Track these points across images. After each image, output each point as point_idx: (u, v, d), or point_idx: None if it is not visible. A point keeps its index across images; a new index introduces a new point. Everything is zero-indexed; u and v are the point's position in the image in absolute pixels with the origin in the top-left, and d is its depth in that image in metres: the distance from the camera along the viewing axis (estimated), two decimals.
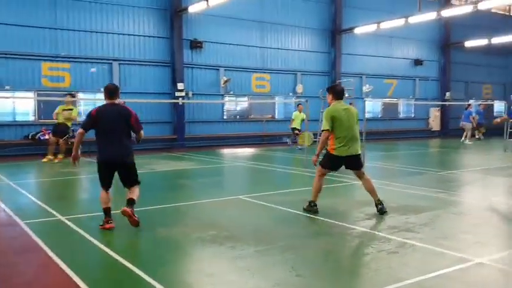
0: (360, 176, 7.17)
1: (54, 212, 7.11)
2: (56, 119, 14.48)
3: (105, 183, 6.28)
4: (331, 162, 7.01)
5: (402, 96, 26.56)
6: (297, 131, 18.38)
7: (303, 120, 17.74)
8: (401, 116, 27.27)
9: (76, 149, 6.49)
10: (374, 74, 25.21)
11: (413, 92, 27.26)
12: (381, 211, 6.91)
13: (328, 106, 7.03)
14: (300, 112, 18.12)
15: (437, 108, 27.98)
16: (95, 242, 5.51)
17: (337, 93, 6.99)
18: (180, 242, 5.62)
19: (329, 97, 7.04)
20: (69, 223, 6.44)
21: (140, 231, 6.09)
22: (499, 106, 31.11)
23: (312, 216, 6.84)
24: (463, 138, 21.69)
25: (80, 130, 6.30)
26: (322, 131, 6.85)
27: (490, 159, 15.60)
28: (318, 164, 7.12)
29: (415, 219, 6.64)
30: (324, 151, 7.09)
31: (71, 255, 5.10)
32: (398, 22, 20.75)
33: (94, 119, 6.25)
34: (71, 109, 14.51)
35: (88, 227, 6.20)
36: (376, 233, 5.93)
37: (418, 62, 26.96)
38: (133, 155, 6.53)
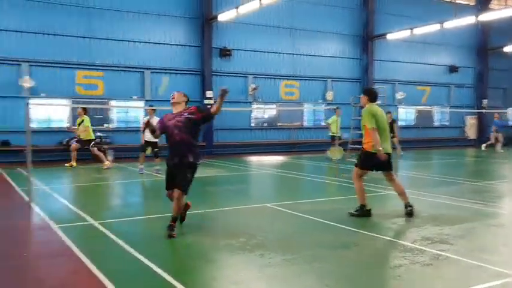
0: (390, 178, 7.44)
1: (87, 217, 7.21)
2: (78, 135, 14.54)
3: None
4: (369, 161, 7.21)
5: (436, 104, 26.00)
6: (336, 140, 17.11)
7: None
8: (435, 123, 26.68)
9: None
10: (407, 80, 24.78)
11: (448, 99, 26.65)
12: (409, 213, 7.17)
13: (363, 109, 7.39)
14: (338, 117, 15.98)
15: (474, 116, 27.24)
16: (126, 246, 5.54)
17: (373, 95, 7.37)
18: (209, 248, 5.59)
19: (364, 98, 7.39)
20: (101, 228, 6.51)
21: (166, 237, 6.09)
22: None
23: (342, 226, 6.70)
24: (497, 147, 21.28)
25: None
26: (369, 128, 7.09)
27: None
28: (354, 166, 7.40)
29: (449, 230, 6.42)
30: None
31: (102, 259, 5.14)
32: (433, 28, 20.36)
33: None
34: (83, 120, 14.31)
35: (119, 232, 6.25)
36: (409, 244, 5.74)
37: (453, 69, 26.36)
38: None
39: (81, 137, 14.37)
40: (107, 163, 14.28)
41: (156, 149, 13.10)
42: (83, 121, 14.28)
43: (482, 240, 6.06)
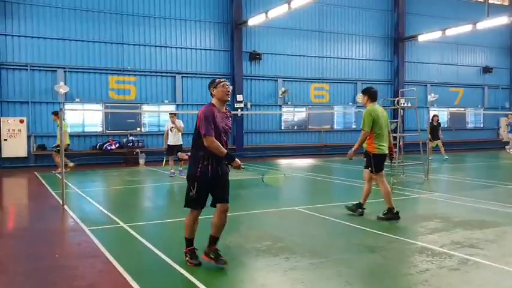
0: (374, 178, 7.51)
1: (117, 220, 7.39)
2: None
3: None
4: (380, 163, 7.35)
5: (470, 106, 25.43)
6: None
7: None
8: (469, 126, 26.08)
9: None
10: (439, 82, 24.34)
11: (482, 101, 26.02)
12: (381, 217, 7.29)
13: (365, 108, 7.43)
14: None
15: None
16: (154, 249, 5.66)
17: (373, 95, 7.41)
18: (235, 251, 5.65)
19: (364, 98, 7.50)
20: (131, 230, 6.67)
21: (198, 240, 6.19)
22: None
23: (370, 229, 6.66)
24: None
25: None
26: (362, 130, 7.26)
27: None
28: (369, 172, 7.42)
29: (480, 234, 6.30)
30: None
31: (131, 261, 5.27)
32: (465, 28, 19.97)
33: None
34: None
35: (148, 234, 6.40)
36: (438, 248, 5.66)
37: (487, 70, 25.74)
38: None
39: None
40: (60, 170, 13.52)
41: (178, 152, 13.30)
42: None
43: None
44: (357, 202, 7.66)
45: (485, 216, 7.51)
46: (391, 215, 7.24)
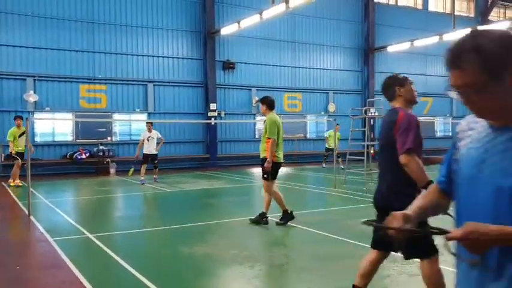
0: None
1: (84, 230, 7.32)
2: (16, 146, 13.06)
3: None
4: (275, 171, 7.52)
5: (439, 115, 26.04)
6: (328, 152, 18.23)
7: (339, 139, 17.67)
8: (438, 134, 26.69)
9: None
10: None
11: (451, 110, 26.68)
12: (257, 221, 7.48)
13: (267, 116, 7.64)
14: (336, 132, 17.70)
15: None
16: (118, 259, 5.64)
17: (271, 103, 7.67)
18: (201, 260, 5.67)
19: (263, 108, 7.76)
20: (96, 241, 6.61)
21: (163, 249, 6.21)
22: None
23: (336, 236, 6.76)
24: None
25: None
26: (270, 138, 7.36)
27: None
28: (265, 180, 7.55)
29: (442, 241, 6.45)
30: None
31: (94, 272, 5.24)
32: (433, 40, 20.51)
33: None
34: (23, 132, 12.72)
35: (114, 245, 6.36)
36: (400, 255, 5.78)
37: None
38: None
39: (21, 151, 12.99)
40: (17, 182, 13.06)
41: (156, 161, 13.74)
42: (24, 133, 12.73)
43: None
44: (261, 212, 7.65)
45: (448, 221, 7.70)
46: (289, 217, 7.49)
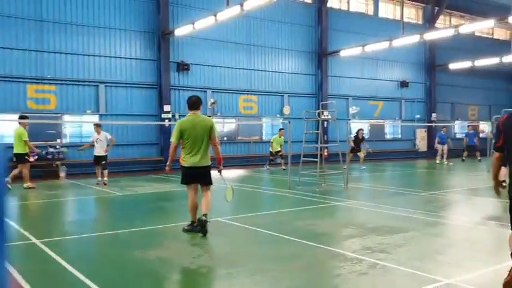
0: (204, 190, 7.26)
1: (29, 235, 7.07)
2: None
3: None
4: (187, 175, 7.09)
5: (388, 118, 26.84)
6: (273, 157, 19.36)
7: (281, 144, 19.00)
8: (387, 137, 27.50)
9: None
10: (360, 95, 25.51)
11: (400, 113, 27.56)
12: (202, 227, 6.88)
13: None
14: (281, 137, 19.13)
15: (424, 129, 28.26)
16: (67, 265, 5.48)
17: (189, 104, 7.13)
18: (154, 265, 5.60)
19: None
20: (43, 247, 6.40)
21: (115, 254, 6.09)
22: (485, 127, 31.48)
23: (289, 237, 6.85)
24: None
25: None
26: (171, 142, 7.09)
27: (473, 180, 15.74)
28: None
29: (390, 240, 6.68)
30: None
31: (40, 280, 5.07)
32: (383, 45, 21.13)
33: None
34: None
35: (62, 251, 6.18)
36: (350, 254, 5.94)
37: (404, 84, 27.33)
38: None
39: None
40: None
41: (103, 163, 13.71)
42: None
43: (420, 249, 6.32)
44: (191, 221, 7.17)
45: (396, 223, 7.97)
46: (191, 228, 7.03)
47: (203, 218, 6.95)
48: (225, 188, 7.75)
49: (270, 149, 19.38)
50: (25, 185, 13.08)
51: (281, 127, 19.75)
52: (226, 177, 7.62)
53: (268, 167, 19.29)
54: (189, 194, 7.18)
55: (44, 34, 16.84)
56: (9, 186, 12.62)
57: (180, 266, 5.50)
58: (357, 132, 19.81)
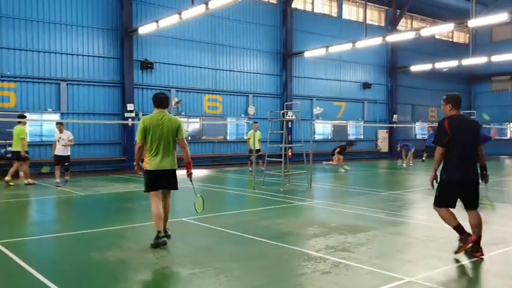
0: (166, 196, 6.76)
1: None
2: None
3: None
4: (151, 180, 6.46)
5: (351, 118, 27.31)
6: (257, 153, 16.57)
7: (259, 140, 17.59)
8: (350, 137, 27.95)
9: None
10: (324, 96, 25.84)
11: (362, 114, 28.08)
12: (160, 244, 6.24)
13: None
14: (256, 131, 16.78)
15: (385, 130, 28.90)
16: (26, 266, 5.34)
17: (156, 101, 6.57)
18: (115, 266, 5.52)
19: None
20: (2, 248, 6.20)
21: (76, 255, 5.97)
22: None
23: (254, 237, 6.88)
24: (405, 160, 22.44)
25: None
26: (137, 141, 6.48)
27: None
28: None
29: (352, 239, 6.81)
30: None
31: (0, 281, 4.92)
32: (346, 46, 21.49)
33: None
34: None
35: (22, 252, 6.01)
36: (313, 253, 6.03)
37: (366, 85, 27.87)
38: None
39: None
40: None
41: (66, 163, 13.32)
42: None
43: (380, 248, 6.47)
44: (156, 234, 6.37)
45: (358, 222, 8.14)
46: (157, 240, 6.26)
47: (168, 233, 6.65)
48: (195, 198, 7.17)
49: (249, 147, 17.27)
50: (25, 182, 13.54)
51: (255, 121, 17.51)
52: (194, 182, 7.34)
53: (250, 168, 16.91)
54: (152, 202, 6.43)
55: (3, 29, 16.30)
56: (11, 183, 13.18)
57: (143, 266, 5.44)
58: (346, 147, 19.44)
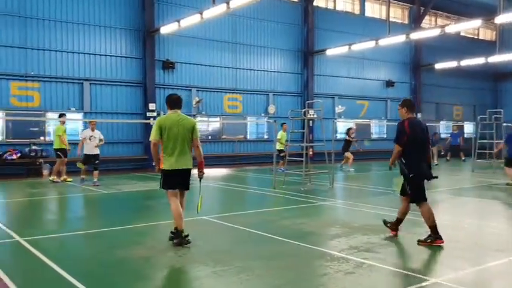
0: (181, 197, 6.69)
1: (13, 234, 6.95)
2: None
3: None
4: (168, 179, 6.46)
5: (374, 117, 26.99)
6: (283, 153, 16.52)
7: (287, 140, 16.63)
8: (373, 136, 27.65)
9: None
10: (346, 95, 25.59)
11: (385, 113, 27.73)
12: (179, 243, 6.25)
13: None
14: (285, 131, 16.93)
15: None
16: (51, 263, 5.40)
17: (170, 102, 6.56)
18: (138, 264, 5.54)
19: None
20: (27, 245, 6.30)
21: (99, 253, 6.02)
22: (469, 127, 31.89)
23: (275, 237, 6.83)
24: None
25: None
26: (151, 140, 6.40)
27: (459, 180, 15.89)
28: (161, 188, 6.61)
29: (376, 239, 6.70)
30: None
31: (25, 278, 4.98)
32: (369, 44, 21.21)
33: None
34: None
35: (46, 249, 6.08)
36: (336, 253, 5.95)
37: (389, 84, 27.49)
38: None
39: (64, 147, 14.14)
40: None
41: (97, 162, 13.36)
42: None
43: (405, 248, 6.36)
44: (174, 231, 6.46)
45: (382, 222, 7.98)
46: (180, 239, 6.28)
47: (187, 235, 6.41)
48: (198, 197, 7.02)
49: (278, 147, 16.36)
50: (51, 178, 13.91)
51: (283, 122, 17.46)
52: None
53: (282, 168, 16.00)
54: (171, 201, 6.49)
55: (28, 30, 16.58)
56: (58, 180, 13.82)
57: (165, 264, 5.45)
58: (347, 133, 19.18)
